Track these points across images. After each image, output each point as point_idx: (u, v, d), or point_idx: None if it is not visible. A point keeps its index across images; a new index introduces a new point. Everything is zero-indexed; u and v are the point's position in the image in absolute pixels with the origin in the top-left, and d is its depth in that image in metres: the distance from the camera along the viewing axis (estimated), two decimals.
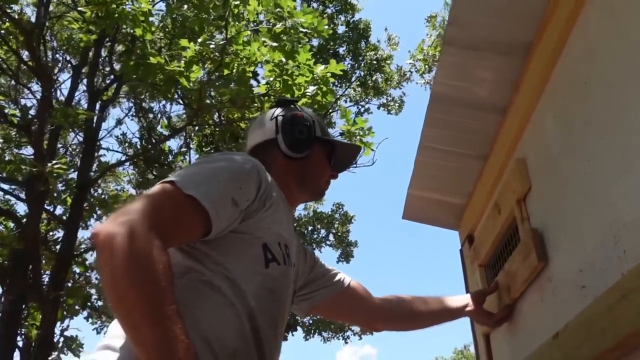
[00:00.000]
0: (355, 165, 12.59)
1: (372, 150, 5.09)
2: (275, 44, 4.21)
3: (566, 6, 1.49)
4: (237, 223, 1.19)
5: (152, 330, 0.90)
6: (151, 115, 12.23)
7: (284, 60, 4.26)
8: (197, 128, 11.57)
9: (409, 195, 2.74)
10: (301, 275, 1.55)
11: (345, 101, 14.71)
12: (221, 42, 4.52)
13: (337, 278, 1.67)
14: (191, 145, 12.98)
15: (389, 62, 15.38)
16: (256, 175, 1.25)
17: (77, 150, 11.50)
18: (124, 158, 10.68)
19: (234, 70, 4.55)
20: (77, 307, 8.07)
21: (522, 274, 1.80)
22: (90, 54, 8.87)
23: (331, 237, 15.66)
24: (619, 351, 1.21)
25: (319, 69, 4.34)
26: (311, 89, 4.31)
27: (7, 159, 5.63)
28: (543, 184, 1.75)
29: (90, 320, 10.65)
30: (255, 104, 5.34)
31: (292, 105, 1.57)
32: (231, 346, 1.11)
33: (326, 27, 4.34)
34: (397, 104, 14.92)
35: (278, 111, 1.53)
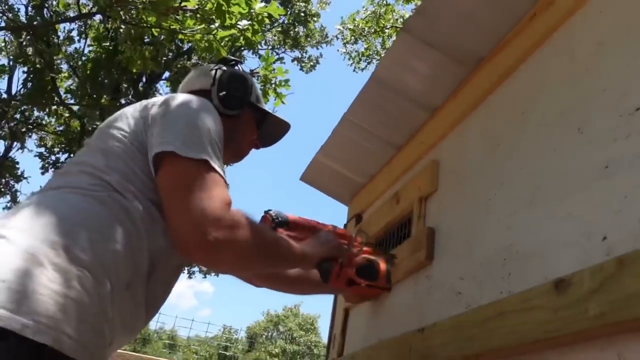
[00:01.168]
0: None
1: (283, 102, 5.04)
2: None
3: (530, 36, 1.56)
4: None
5: (293, 256, 1.38)
6: None
7: None
8: (100, 18, 10.71)
9: (314, 160, 2.77)
10: None
11: (261, 43, 14.37)
12: None
13: None
14: (89, 35, 12.01)
15: (315, 19, 15.24)
16: None
17: None
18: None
19: None
20: None
21: (405, 265, 1.90)
22: None
23: None
24: (479, 358, 1.33)
25: (258, 5, 4.18)
26: (244, 22, 4.13)
27: None
28: (450, 190, 1.86)
29: None
30: (178, 16, 5.04)
31: (236, 65, 1.58)
32: (127, 278, 1.10)
33: None
34: (311, 63, 14.86)
35: (220, 66, 1.54)
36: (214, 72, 1.50)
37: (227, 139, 1.46)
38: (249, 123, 1.55)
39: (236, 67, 1.57)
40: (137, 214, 1.12)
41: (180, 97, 1.29)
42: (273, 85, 5.06)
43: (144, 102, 1.33)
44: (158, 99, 1.31)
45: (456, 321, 1.44)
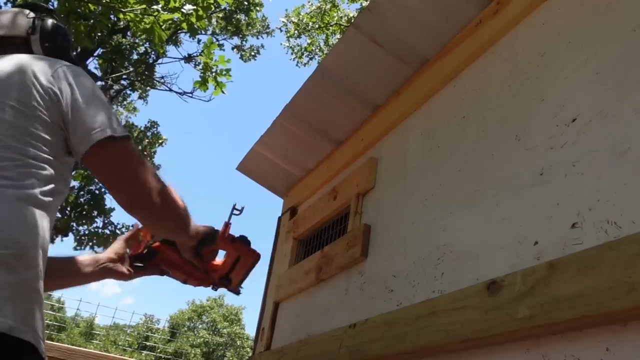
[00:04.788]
0: (190, 96, 12.14)
1: (223, 92, 4.92)
2: None
3: (475, 42, 1.59)
4: None
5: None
6: None
7: None
8: None
9: (252, 150, 2.72)
10: None
11: (205, 29, 14.05)
12: None
13: None
14: (17, 3, 11.36)
15: (258, 8, 15.06)
16: None
17: None
18: None
19: None
20: None
21: (339, 260, 1.90)
22: None
23: None
24: (410, 355, 1.35)
25: None
26: (188, 7, 4.00)
27: None
28: (387, 188, 1.87)
29: None
30: None
31: (49, 14, 1.47)
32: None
33: None
34: (252, 52, 14.68)
35: (31, 12, 1.42)
36: (32, 19, 1.38)
37: None
38: None
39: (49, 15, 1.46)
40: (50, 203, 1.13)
41: (71, 72, 1.23)
42: (213, 74, 4.94)
43: (34, 68, 1.20)
44: (44, 66, 1.21)
45: (388, 318, 1.45)
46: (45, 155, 1.11)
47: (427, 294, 1.41)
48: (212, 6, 4.12)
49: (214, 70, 4.88)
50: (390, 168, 1.90)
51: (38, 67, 1.19)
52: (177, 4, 4.01)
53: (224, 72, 4.89)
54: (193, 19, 4.02)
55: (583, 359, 0.95)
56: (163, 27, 4.55)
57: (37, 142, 1.10)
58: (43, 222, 1.07)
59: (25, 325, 0.94)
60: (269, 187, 2.96)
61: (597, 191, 1.05)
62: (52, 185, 1.11)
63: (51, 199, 1.10)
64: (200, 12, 4.00)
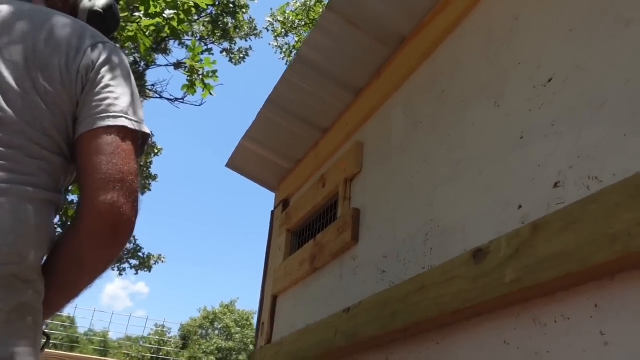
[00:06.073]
0: (182, 101, 12.10)
1: (211, 94, 4.89)
2: None
3: (450, 15, 1.57)
4: None
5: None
6: None
7: None
8: None
9: (240, 146, 2.70)
10: None
11: (188, 33, 14.01)
12: None
13: None
14: None
15: (244, 10, 15.03)
16: None
17: None
18: None
19: None
20: None
21: (332, 247, 1.88)
22: None
23: None
24: (404, 333, 1.33)
25: None
26: (169, 12, 3.97)
27: None
28: (373, 170, 1.85)
29: None
30: None
31: None
32: None
33: None
34: (241, 55, 14.66)
35: None
36: None
37: None
38: None
39: None
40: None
41: (113, 55, 1.02)
42: (200, 77, 4.91)
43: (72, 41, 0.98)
44: (82, 43, 0.98)
45: (380, 298, 1.42)
46: (58, 144, 0.94)
47: (417, 271, 1.39)
48: (192, 9, 4.08)
49: (200, 73, 4.85)
50: (375, 150, 1.88)
51: (75, 37, 0.97)
52: (157, 10, 3.97)
53: (210, 74, 4.86)
54: (174, 23, 3.98)
55: (573, 319, 0.93)
56: (147, 33, 4.51)
57: (53, 127, 0.93)
58: (51, 226, 0.91)
59: (26, 353, 0.83)
60: (260, 181, 2.94)
61: (577, 148, 1.03)
62: (60, 180, 0.95)
63: (60, 197, 0.94)
64: (182, 16, 3.97)
